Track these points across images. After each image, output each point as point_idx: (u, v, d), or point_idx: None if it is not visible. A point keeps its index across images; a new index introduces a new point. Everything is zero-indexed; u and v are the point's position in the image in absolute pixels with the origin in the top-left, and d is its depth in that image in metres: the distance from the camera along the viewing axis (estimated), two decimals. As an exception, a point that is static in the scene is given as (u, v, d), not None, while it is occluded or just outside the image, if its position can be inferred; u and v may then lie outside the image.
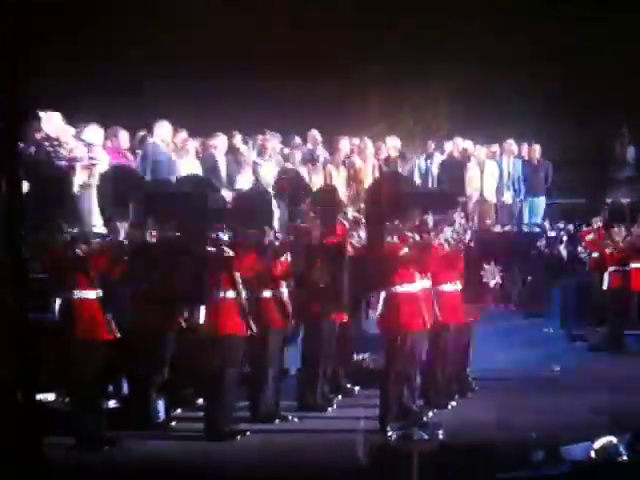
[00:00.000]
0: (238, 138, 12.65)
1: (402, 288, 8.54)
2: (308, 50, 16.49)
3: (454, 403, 9.62)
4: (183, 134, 11.99)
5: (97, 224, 8.67)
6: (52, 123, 10.64)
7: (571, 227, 13.91)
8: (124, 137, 11.50)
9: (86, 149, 10.73)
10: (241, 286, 8.39)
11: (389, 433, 7.37)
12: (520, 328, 13.19)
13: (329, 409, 9.49)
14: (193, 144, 12.08)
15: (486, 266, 8.88)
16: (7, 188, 6.19)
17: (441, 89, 18.18)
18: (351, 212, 10.49)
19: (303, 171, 12.70)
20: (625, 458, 6.63)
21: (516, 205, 15.68)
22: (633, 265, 13.25)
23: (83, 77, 14.04)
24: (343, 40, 17.22)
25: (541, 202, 15.78)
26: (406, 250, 8.54)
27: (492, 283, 8.97)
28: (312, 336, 9.45)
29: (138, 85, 14.82)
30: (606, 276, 13.28)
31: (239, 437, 8.34)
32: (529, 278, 9.90)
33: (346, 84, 17.03)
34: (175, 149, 11.82)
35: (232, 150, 12.42)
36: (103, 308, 8.09)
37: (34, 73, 7.04)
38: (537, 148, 15.80)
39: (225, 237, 8.42)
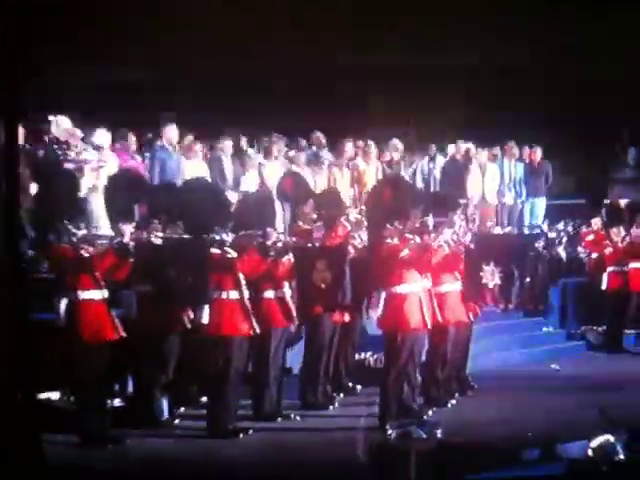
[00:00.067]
0: (244, 140, 12.77)
1: (402, 288, 8.62)
2: (308, 50, 16.54)
3: (454, 401, 9.72)
4: (190, 137, 12.14)
5: (104, 226, 8.75)
6: (61, 126, 10.77)
7: (570, 228, 13.96)
8: (132, 140, 11.64)
9: (95, 152, 10.84)
10: (244, 287, 8.51)
11: (388, 431, 7.44)
12: (519, 327, 13.27)
13: (331, 407, 9.57)
14: (200, 146, 12.22)
15: (485, 267, 8.95)
16: (7, 188, 6.23)
17: (441, 89, 18.22)
18: (353, 214, 10.56)
19: (307, 173, 12.79)
20: (622, 457, 6.62)
21: (517, 207, 15.75)
22: (632, 265, 13.32)
23: (83, 77, 14.12)
24: (343, 40, 17.27)
25: (542, 203, 15.82)
26: (407, 251, 8.64)
27: (491, 284, 9.04)
28: (313, 335, 9.56)
29: (138, 85, 14.90)
30: (605, 276, 13.35)
31: (241, 435, 8.41)
32: (528, 279, 9.97)
33: (346, 84, 17.09)
34: (182, 151, 11.97)
35: (238, 152, 12.54)
36: (109, 308, 8.17)
37: (34, 73, 7.06)
38: (538, 150, 15.82)
39: (228, 238, 8.51)
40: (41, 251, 9.39)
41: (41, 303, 8.24)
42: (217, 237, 8.36)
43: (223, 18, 15.81)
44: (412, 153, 15.10)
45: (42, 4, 9.10)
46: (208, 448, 8.11)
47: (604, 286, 13.33)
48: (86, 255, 8.04)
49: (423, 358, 9.37)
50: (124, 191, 8.37)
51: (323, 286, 8.72)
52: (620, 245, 13.41)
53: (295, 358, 9.84)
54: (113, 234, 8.32)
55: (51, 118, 10.72)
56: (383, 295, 8.72)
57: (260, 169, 12.51)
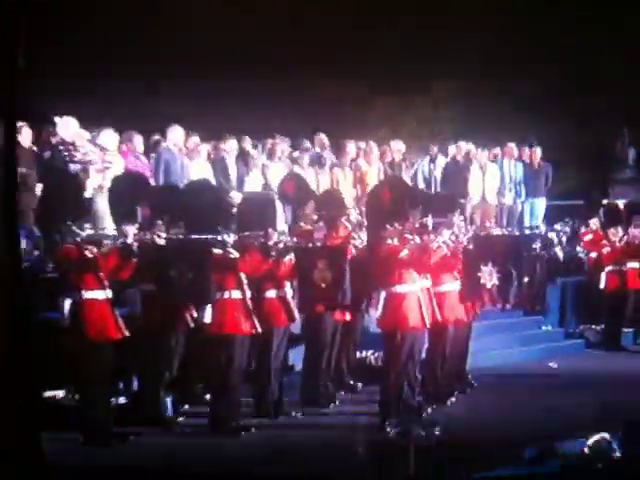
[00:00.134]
0: (248, 141, 12.86)
1: (402, 288, 8.71)
2: (308, 50, 16.60)
3: (453, 399, 9.78)
4: (195, 138, 12.22)
5: (109, 226, 8.82)
6: (68, 128, 10.84)
7: (568, 229, 14.03)
8: (139, 141, 11.72)
9: (101, 153, 10.91)
10: (246, 286, 8.61)
11: (388, 429, 7.51)
12: (519, 326, 13.32)
13: (332, 405, 9.67)
14: (205, 147, 12.31)
15: (483, 268, 9.01)
16: (7, 188, 6.26)
17: (441, 90, 18.31)
18: (354, 214, 10.64)
19: (310, 174, 12.85)
20: (618, 454, 6.68)
21: (517, 207, 15.80)
22: (629, 265, 13.42)
23: (83, 77, 14.18)
24: (343, 40, 17.33)
25: (541, 204, 15.84)
26: (406, 252, 8.72)
27: (489, 284, 9.10)
28: (315, 334, 9.64)
29: (138, 85, 14.96)
30: (603, 275, 13.42)
31: (243, 433, 8.51)
32: (526, 279, 10.02)
33: (346, 85, 17.16)
34: (187, 153, 12.06)
35: (242, 153, 12.63)
36: (112, 308, 8.24)
37: (34, 73, 7.11)
38: (538, 151, 15.82)
39: (230, 239, 8.60)
40: (48, 252, 9.45)
41: (47, 302, 8.33)
42: (219, 237, 8.45)
43: (223, 18, 15.89)
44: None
45: (42, 4, 9.15)
46: (211, 445, 8.19)
47: (602, 285, 13.40)
48: (90, 255, 8.10)
49: (423, 356, 9.46)
50: (126, 193, 8.44)
51: (324, 285, 8.78)
52: (618, 245, 13.50)
53: (297, 356, 9.93)
54: (117, 235, 8.39)
55: (57, 119, 10.78)
56: (383, 295, 8.81)
57: (264, 170, 12.59)
